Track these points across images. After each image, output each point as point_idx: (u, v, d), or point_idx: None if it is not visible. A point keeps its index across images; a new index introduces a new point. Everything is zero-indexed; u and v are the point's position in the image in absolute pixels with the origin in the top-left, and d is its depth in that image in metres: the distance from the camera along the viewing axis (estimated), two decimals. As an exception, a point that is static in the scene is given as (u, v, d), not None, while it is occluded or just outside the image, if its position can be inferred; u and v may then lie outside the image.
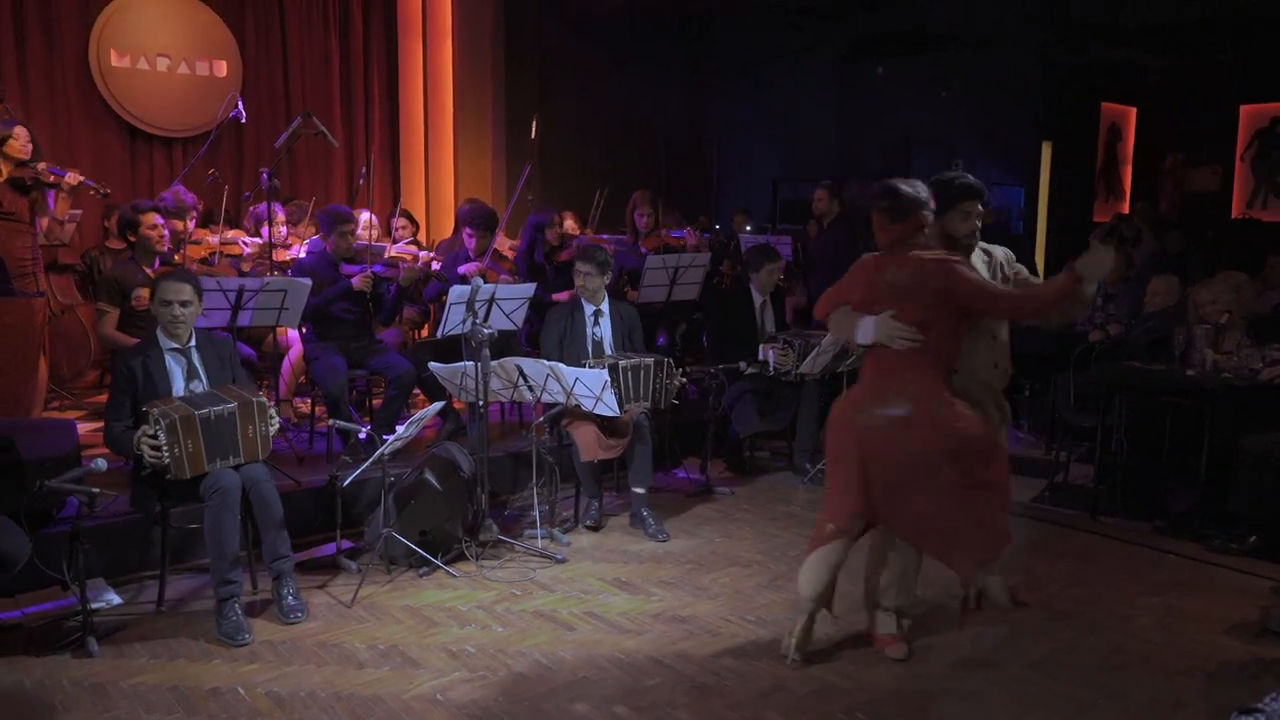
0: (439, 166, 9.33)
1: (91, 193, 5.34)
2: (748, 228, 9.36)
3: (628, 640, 3.76)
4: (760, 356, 5.69)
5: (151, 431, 3.66)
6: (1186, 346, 5.14)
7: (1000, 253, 3.74)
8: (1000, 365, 3.72)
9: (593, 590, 4.24)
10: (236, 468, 3.85)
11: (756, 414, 5.74)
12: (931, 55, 10.50)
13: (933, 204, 3.40)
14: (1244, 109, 10.46)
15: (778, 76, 11.38)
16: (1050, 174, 10.74)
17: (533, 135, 8.11)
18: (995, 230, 11.15)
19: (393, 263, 5.84)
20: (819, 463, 5.76)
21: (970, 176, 3.58)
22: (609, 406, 4.58)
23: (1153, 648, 3.75)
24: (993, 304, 3.38)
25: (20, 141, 5.15)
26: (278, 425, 4.00)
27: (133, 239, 5.16)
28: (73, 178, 5.22)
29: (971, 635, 3.84)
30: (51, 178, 5.20)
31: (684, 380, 5.21)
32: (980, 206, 3.56)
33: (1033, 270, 7.91)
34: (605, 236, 7.62)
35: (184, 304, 3.91)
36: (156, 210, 5.18)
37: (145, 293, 4.88)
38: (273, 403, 4.21)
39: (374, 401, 5.87)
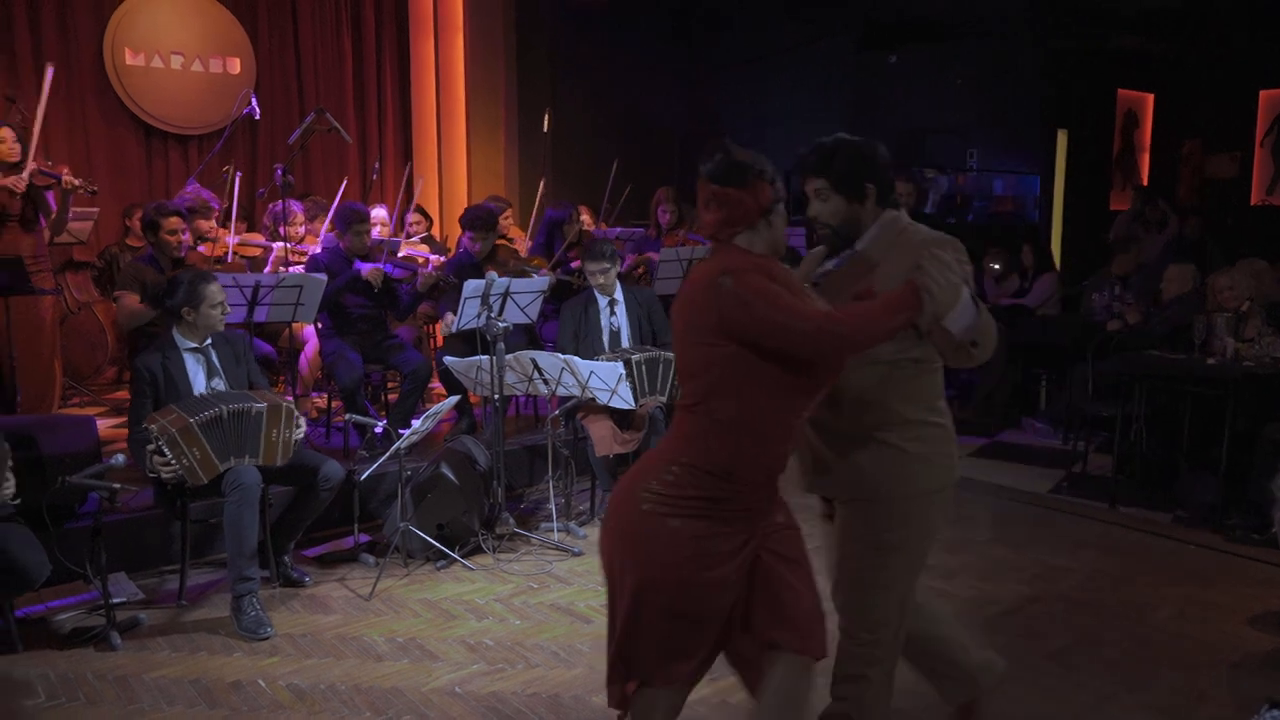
0: (452, 161, 9.34)
1: (81, 192, 5.34)
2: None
3: (645, 632, 3.75)
4: None
5: (154, 448, 3.68)
6: (1207, 335, 5.09)
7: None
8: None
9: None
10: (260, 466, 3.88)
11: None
12: (943, 44, 10.43)
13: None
14: (1263, 94, 10.36)
15: (788, 68, 11.32)
16: (1066, 162, 10.67)
17: (545, 129, 8.11)
18: (1012, 219, 11.15)
19: (407, 263, 5.84)
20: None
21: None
22: (624, 400, 4.58)
23: (1174, 639, 3.73)
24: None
25: (8, 144, 5.15)
26: (303, 433, 4.02)
27: (153, 239, 5.16)
28: (67, 179, 5.23)
29: (989, 627, 3.83)
30: (48, 179, 5.22)
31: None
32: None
33: (1049, 263, 7.91)
34: (618, 231, 7.61)
35: (225, 304, 4.01)
36: (179, 214, 5.17)
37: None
38: (290, 398, 4.23)
39: (389, 396, 5.89)
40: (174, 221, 5.08)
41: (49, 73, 5.36)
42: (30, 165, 5.12)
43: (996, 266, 8.05)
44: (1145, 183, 11.09)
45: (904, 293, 2.18)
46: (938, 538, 2.57)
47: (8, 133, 5.16)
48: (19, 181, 5.06)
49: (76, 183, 5.26)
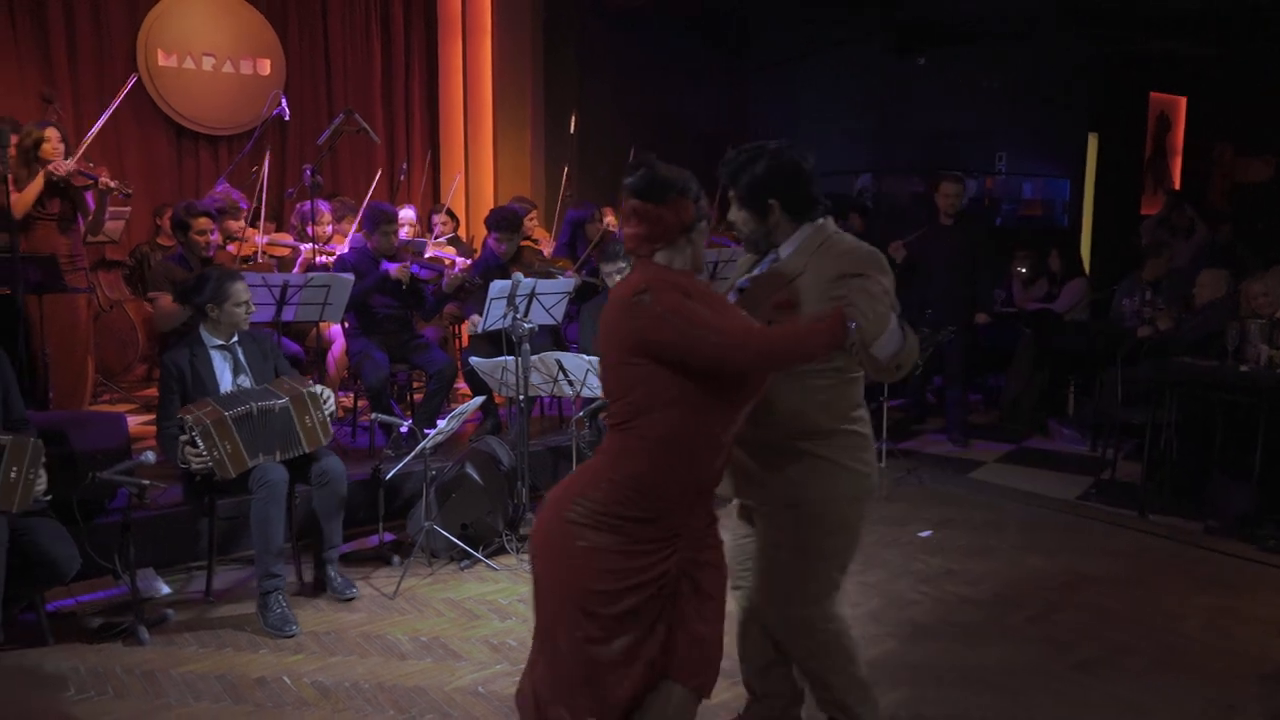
0: (478, 162, 9.37)
1: (116, 194, 5.43)
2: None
3: (668, 635, 3.75)
4: None
5: (187, 438, 3.72)
6: (1240, 341, 5.03)
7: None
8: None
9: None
10: (303, 457, 3.93)
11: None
12: (974, 47, 10.36)
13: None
14: (1297, 98, 10.20)
15: (817, 70, 11.28)
16: (1096, 166, 10.56)
17: (571, 130, 8.13)
18: (1041, 223, 11.05)
19: (433, 264, 5.87)
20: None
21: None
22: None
23: (1204, 649, 3.68)
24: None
25: (53, 143, 5.24)
26: (332, 407, 4.06)
27: (182, 239, 5.22)
28: (104, 180, 5.32)
29: (1015, 635, 3.79)
30: (86, 180, 5.30)
31: None
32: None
33: (1079, 268, 7.83)
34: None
35: (250, 303, 4.05)
36: (208, 215, 5.23)
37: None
38: (310, 379, 4.26)
39: (415, 396, 5.92)
40: (203, 222, 5.14)
41: (132, 79, 5.49)
42: (71, 165, 5.20)
43: (1023, 270, 7.98)
44: (1177, 187, 10.96)
45: (831, 321, 2.15)
46: (858, 541, 2.61)
47: (53, 132, 5.25)
48: (60, 164, 5.14)
49: (113, 184, 5.34)
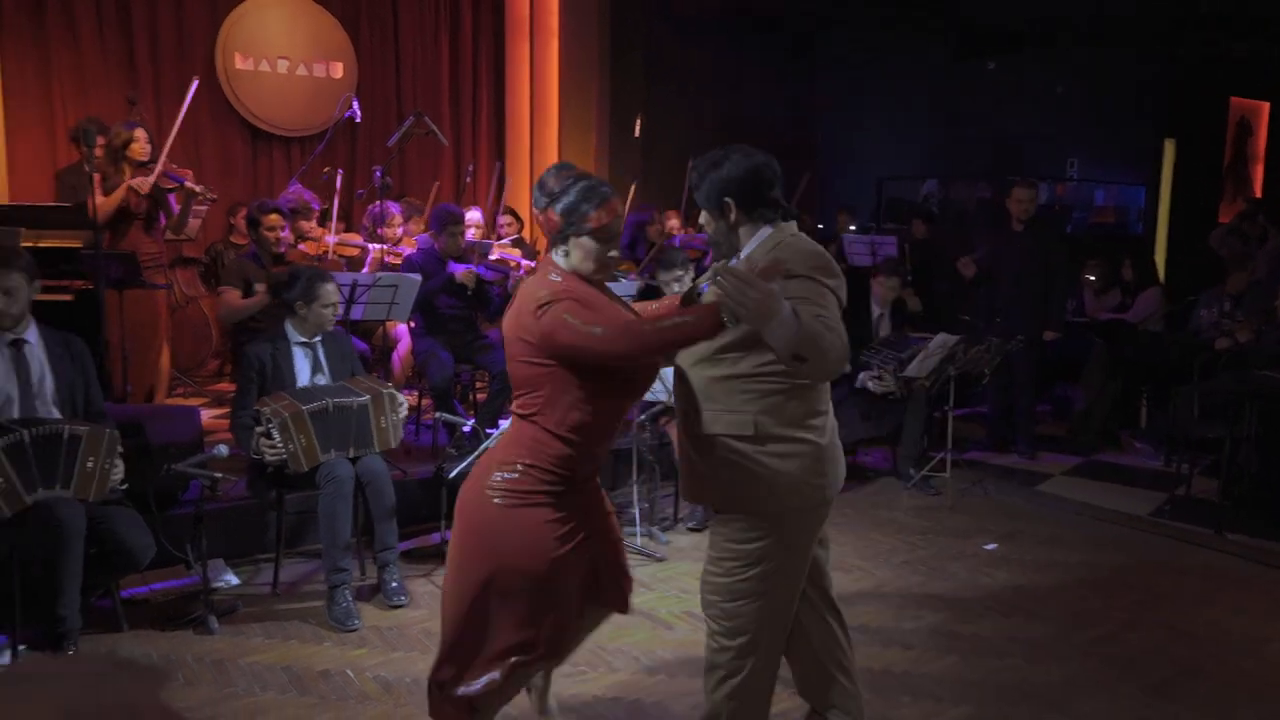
0: (544, 165, 9.43)
1: (201, 198, 5.60)
2: (851, 227, 9.22)
3: (727, 642, 3.73)
4: (858, 385, 5.60)
5: (264, 430, 3.80)
6: (1325, 355, 4.85)
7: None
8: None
9: (691, 590, 4.22)
10: (355, 458, 3.98)
11: (860, 419, 5.65)
12: (1046, 51, 10.15)
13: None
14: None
15: (886, 73, 11.17)
16: (1174, 172, 10.27)
17: (636, 134, 8.14)
18: (1114, 231, 10.78)
19: (499, 266, 5.92)
20: (924, 467, 5.64)
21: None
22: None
23: (1284, 674, 3.55)
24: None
25: (140, 144, 5.42)
26: (405, 411, 4.13)
27: (254, 235, 5.36)
28: (190, 184, 5.49)
29: (1085, 653, 3.70)
30: (171, 183, 5.47)
31: None
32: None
33: (1153, 277, 7.59)
34: (704, 235, 7.58)
35: (337, 305, 4.15)
36: (279, 211, 5.36)
37: (262, 286, 5.08)
38: (389, 383, 4.34)
39: (478, 396, 5.97)
40: (274, 218, 5.27)
41: (194, 84, 5.65)
42: (157, 169, 5.38)
43: (1092, 279, 7.80)
44: (1258, 194, 10.61)
45: (707, 307, 2.28)
46: (810, 554, 2.59)
47: (141, 133, 5.45)
48: (144, 183, 5.32)
49: (198, 189, 5.52)
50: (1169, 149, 10.27)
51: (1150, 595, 4.25)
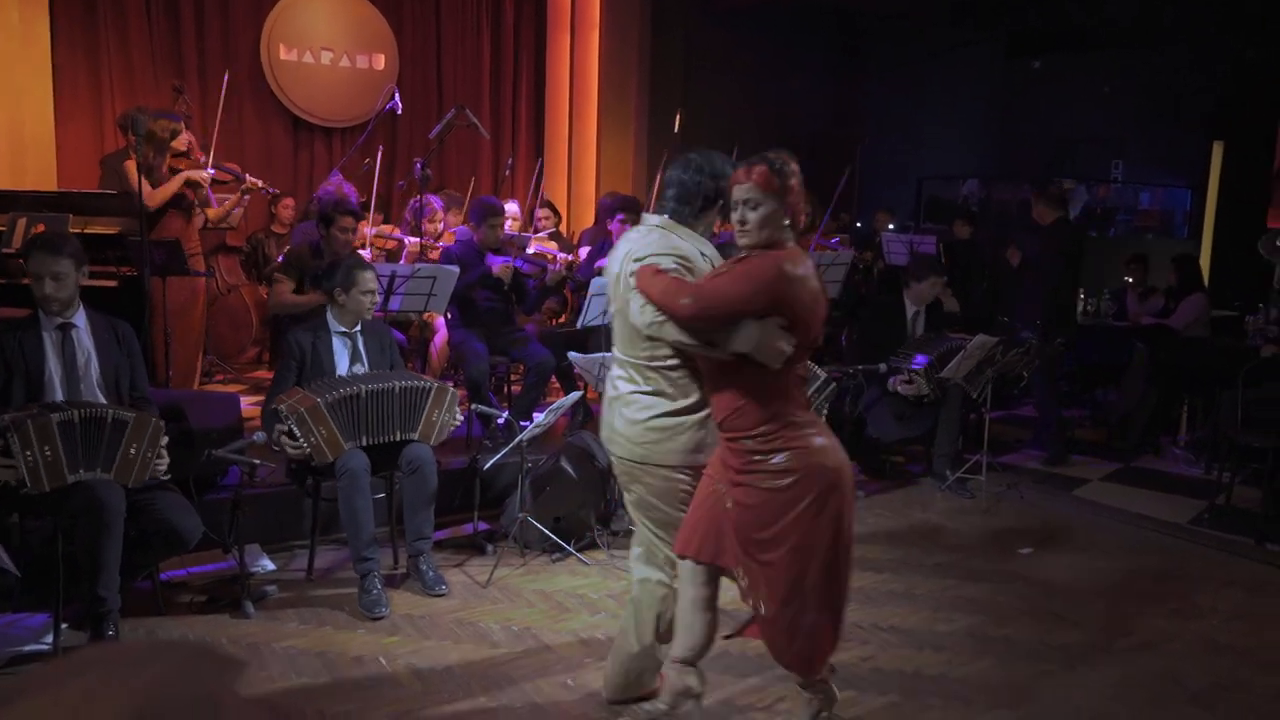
0: (582, 158, 9.46)
1: (260, 191, 5.72)
2: (890, 226, 9.15)
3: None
4: (890, 387, 5.54)
5: (285, 428, 3.81)
6: (1376, 365, 4.74)
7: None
8: None
9: (723, 585, 4.21)
10: (397, 445, 3.99)
11: (895, 420, 5.61)
12: (1093, 51, 9.99)
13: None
14: None
15: (933, 72, 11.05)
16: (1221, 175, 10.07)
17: (675, 129, 8.12)
18: (1159, 234, 10.60)
19: (537, 259, 5.94)
20: (959, 469, 5.59)
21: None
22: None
23: (1326, 689, 3.48)
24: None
25: (185, 135, 5.54)
26: (459, 420, 4.19)
27: (324, 232, 5.34)
28: (250, 180, 5.60)
29: (1123, 661, 3.65)
30: (228, 177, 5.58)
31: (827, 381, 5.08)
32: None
33: (1198, 282, 7.45)
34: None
35: (375, 293, 4.19)
36: (354, 214, 5.32)
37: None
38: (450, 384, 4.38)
39: (512, 388, 6.00)
40: (347, 221, 5.20)
41: (225, 79, 5.75)
42: (209, 162, 5.50)
43: (1130, 280, 7.68)
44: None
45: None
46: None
47: (182, 126, 5.58)
48: (205, 176, 5.44)
49: (259, 184, 5.62)
50: (1217, 152, 10.07)
51: (1189, 604, 4.18)
